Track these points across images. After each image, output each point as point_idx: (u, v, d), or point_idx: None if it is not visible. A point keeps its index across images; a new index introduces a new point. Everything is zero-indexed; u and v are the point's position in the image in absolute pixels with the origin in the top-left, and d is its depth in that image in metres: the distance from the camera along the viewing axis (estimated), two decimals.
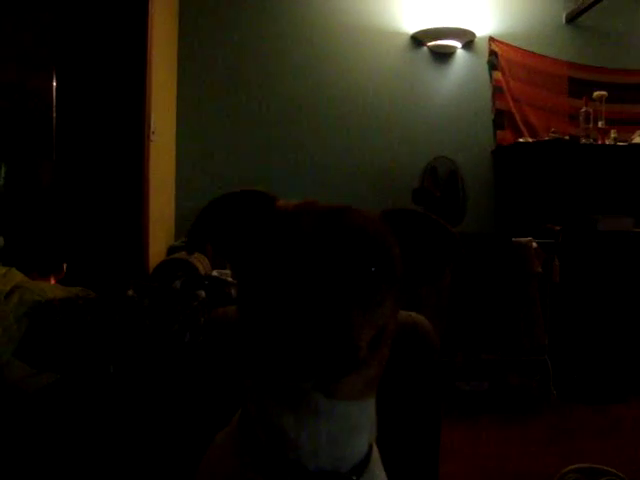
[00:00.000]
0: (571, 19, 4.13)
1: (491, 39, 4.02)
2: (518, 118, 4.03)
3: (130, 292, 1.60)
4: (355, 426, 0.70)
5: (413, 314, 1.34)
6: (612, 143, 3.78)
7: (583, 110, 3.82)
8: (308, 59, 3.87)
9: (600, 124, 3.85)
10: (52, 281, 2.33)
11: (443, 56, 4.00)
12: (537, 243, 3.29)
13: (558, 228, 3.39)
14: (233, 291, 1.75)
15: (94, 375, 1.42)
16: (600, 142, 3.79)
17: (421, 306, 2.61)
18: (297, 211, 0.67)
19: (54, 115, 2.72)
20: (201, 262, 2.31)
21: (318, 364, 0.57)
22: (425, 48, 3.98)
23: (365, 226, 0.67)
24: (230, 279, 1.84)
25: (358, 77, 3.91)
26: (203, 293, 1.67)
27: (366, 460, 0.72)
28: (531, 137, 3.93)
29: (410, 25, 3.92)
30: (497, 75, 4.01)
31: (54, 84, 2.71)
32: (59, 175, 2.72)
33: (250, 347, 0.67)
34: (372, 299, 0.63)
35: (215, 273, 2.06)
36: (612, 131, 3.82)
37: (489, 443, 2.75)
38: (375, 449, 0.76)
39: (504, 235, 3.47)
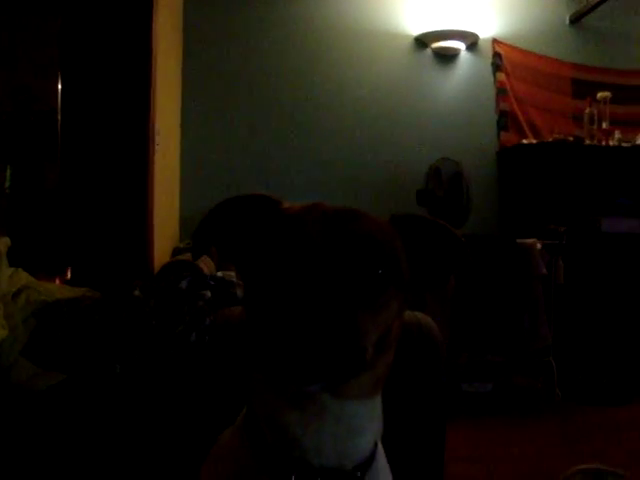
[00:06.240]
0: (575, 20, 4.14)
1: (495, 41, 4.03)
2: (522, 119, 4.03)
3: (136, 292, 1.61)
4: (360, 424, 0.70)
5: (418, 314, 1.34)
6: (616, 144, 3.78)
7: (587, 111, 3.82)
8: (312, 63, 3.88)
9: (604, 125, 3.85)
10: (58, 282, 2.34)
11: (447, 58, 4.01)
12: (541, 244, 3.28)
13: (562, 229, 3.39)
14: (238, 292, 1.76)
15: (100, 375, 1.43)
16: (604, 143, 3.79)
17: (426, 307, 2.61)
18: (303, 213, 0.68)
19: (59, 118, 2.73)
20: (206, 264, 2.32)
21: (325, 367, 0.57)
22: (429, 50, 3.99)
23: (371, 228, 0.67)
24: (235, 280, 1.84)
25: (362, 79, 3.92)
26: (209, 293, 1.67)
27: (371, 458, 0.73)
28: (535, 138, 3.93)
29: (414, 27, 3.93)
30: (501, 76, 4.01)
31: (59, 87, 2.72)
32: (64, 177, 2.74)
33: (256, 349, 0.67)
34: (378, 301, 0.64)
35: (220, 274, 2.07)
36: (616, 132, 3.82)
37: (493, 444, 2.75)
38: (380, 447, 0.77)
39: (508, 236, 3.47)
